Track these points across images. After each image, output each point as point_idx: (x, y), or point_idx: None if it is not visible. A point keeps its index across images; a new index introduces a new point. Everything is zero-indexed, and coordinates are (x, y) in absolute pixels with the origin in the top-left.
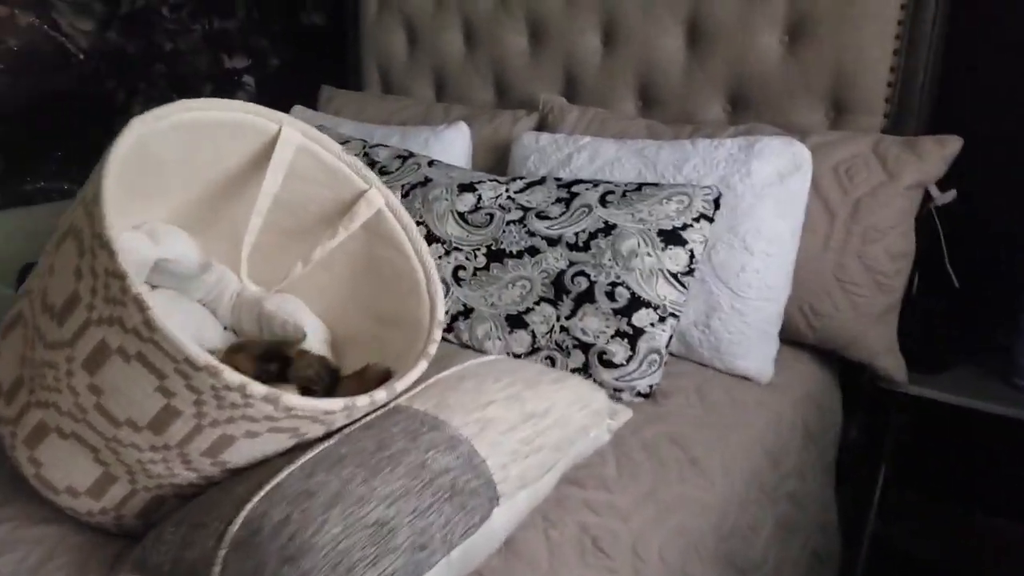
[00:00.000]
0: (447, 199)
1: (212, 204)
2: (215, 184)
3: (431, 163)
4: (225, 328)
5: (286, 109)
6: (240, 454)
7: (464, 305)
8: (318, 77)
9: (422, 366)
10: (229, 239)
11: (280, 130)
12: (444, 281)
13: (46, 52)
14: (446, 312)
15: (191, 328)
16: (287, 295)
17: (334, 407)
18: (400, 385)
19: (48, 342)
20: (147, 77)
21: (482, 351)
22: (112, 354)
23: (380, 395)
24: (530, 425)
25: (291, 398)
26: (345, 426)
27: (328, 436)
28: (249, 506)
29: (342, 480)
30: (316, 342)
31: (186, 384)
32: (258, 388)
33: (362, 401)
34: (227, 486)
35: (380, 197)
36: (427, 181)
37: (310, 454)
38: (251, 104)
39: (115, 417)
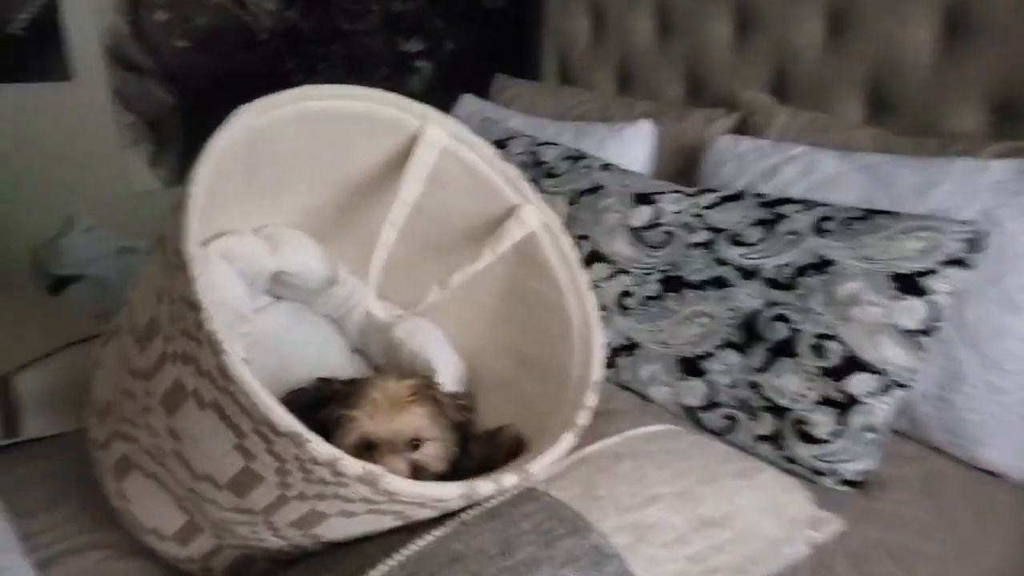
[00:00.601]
0: (619, 211)
1: (344, 209)
2: (347, 186)
3: (605, 167)
4: (353, 351)
5: (458, 96)
6: (335, 531)
7: (628, 339)
8: (494, 64)
9: (567, 442)
10: (362, 250)
11: (422, 128)
12: (605, 307)
13: (232, 30)
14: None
15: (313, 349)
16: (422, 321)
17: (448, 495)
18: (536, 467)
19: (130, 368)
20: (325, 57)
21: (644, 396)
22: (188, 397)
23: (509, 481)
24: (704, 537)
25: (394, 482)
26: (464, 508)
27: (442, 519)
28: None
29: None
30: (448, 381)
31: (267, 449)
32: (352, 466)
33: (485, 488)
34: (310, 571)
35: (536, 216)
36: (598, 188)
37: (415, 546)
38: (388, 94)
39: (193, 469)
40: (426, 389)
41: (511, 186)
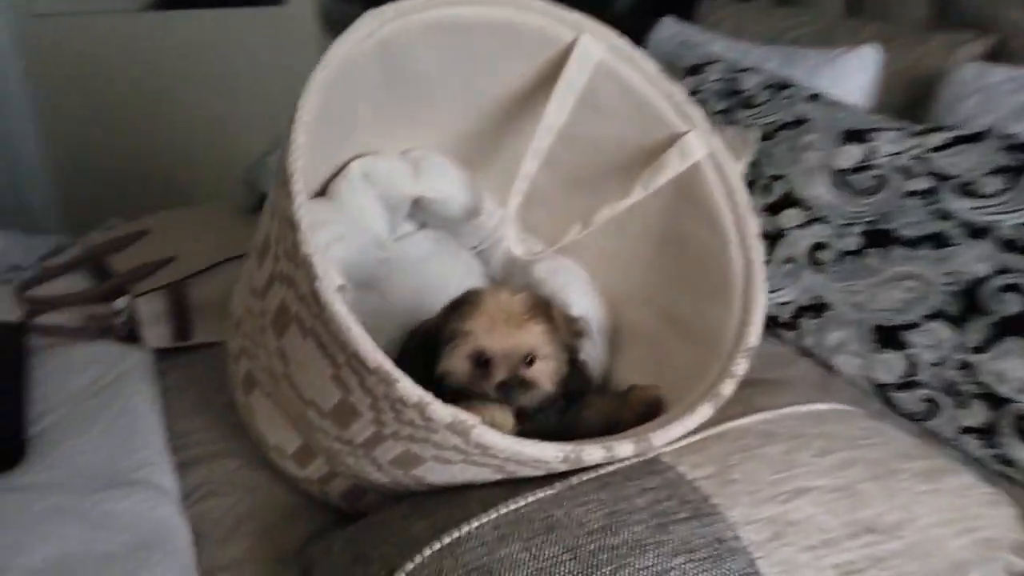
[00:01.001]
0: (823, 149)
1: (489, 135)
2: (491, 109)
3: (812, 97)
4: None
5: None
6: (435, 475)
7: (816, 298)
8: None
9: (702, 413)
10: (506, 180)
11: (575, 41)
12: (794, 260)
13: None
14: (789, 302)
15: (454, 280)
16: (565, 262)
17: (548, 456)
18: (660, 439)
19: (251, 286)
20: None
21: (827, 366)
22: (292, 321)
23: (624, 449)
24: (862, 544)
25: (485, 435)
26: (575, 471)
27: (550, 480)
28: (416, 560)
29: (540, 566)
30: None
31: (360, 383)
32: (441, 412)
33: (593, 455)
34: (410, 513)
35: (702, 145)
36: (801, 121)
37: (513, 504)
38: (535, 0)
39: (301, 393)
40: (542, 306)
41: (676, 110)
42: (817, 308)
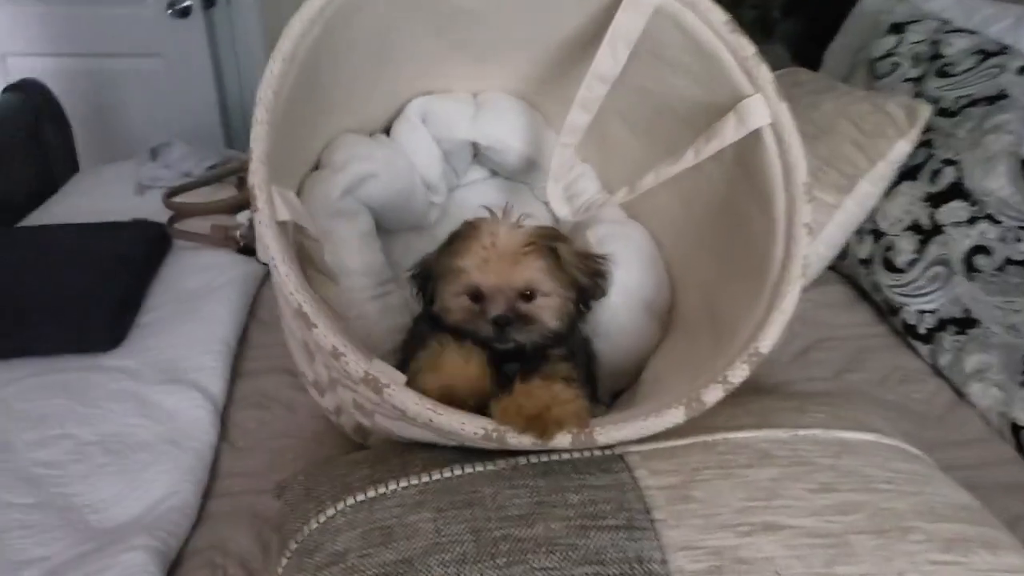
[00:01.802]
0: (1013, 133)
1: (554, 82)
2: (551, 55)
3: None
4: None
5: None
6: (389, 428)
7: (964, 310)
8: None
9: (673, 416)
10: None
11: None
12: (947, 263)
13: None
14: (931, 311)
15: None
16: (627, 228)
17: (467, 431)
18: (606, 436)
19: None
20: None
21: (960, 393)
22: None
23: (560, 440)
24: None
25: (397, 395)
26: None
27: (502, 454)
28: (338, 507)
29: (438, 540)
30: (629, 303)
31: (301, 327)
32: (353, 366)
33: (521, 439)
34: (363, 460)
35: (764, 112)
36: (998, 98)
37: (448, 473)
38: None
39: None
40: (546, 240)
41: (742, 68)
42: (962, 323)
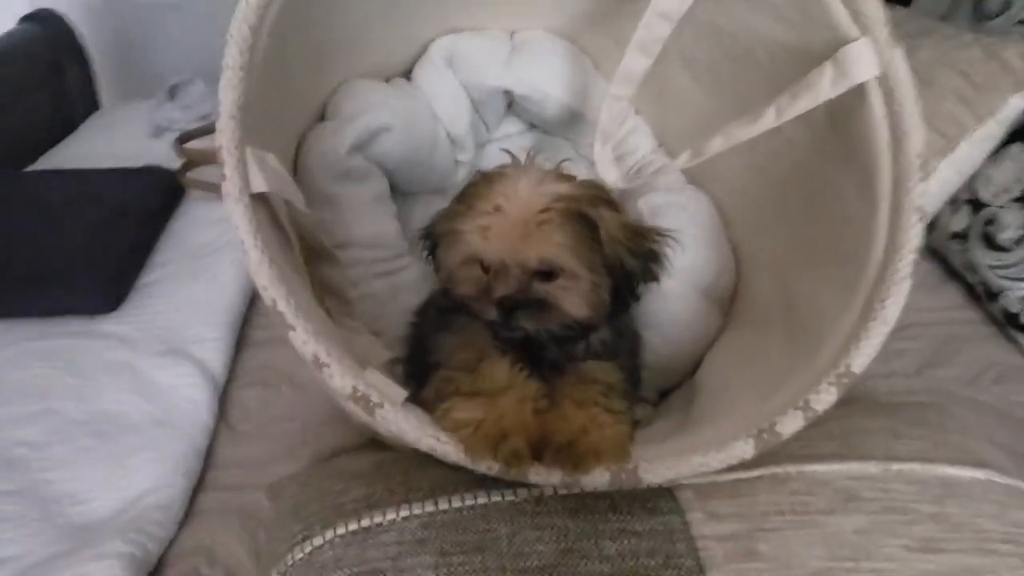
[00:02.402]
0: None
1: (605, 17)
2: None
3: None
4: None
5: None
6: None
7: None
8: None
9: (740, 451)
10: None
11: None
12: None
13: None
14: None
15: None
16: (685, 197)
17: (449, 453)
18: (651, 473)
19: None
20: None
21: None
22: None
23: (599, 480)
24: None
25: (389, 416)
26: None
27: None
28: (327, 536)
29: None
30: (683, 287)
31: None
32: (340, 382)
33: (540, 477)
34: (362, 472)
35: (872, 62)
36: None
37: (458, 503)
38: None
39: None
40: (579, 203)
41: (848, 7)
42: None
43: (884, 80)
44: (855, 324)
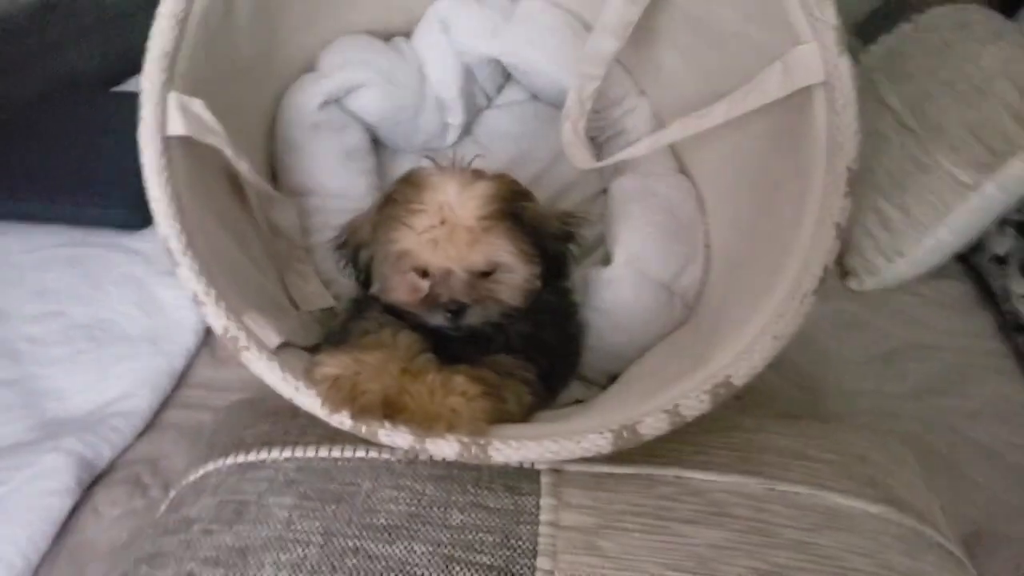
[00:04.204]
0: None
1: None
2: None
3: None
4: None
5: None
6: None
7: None
8: None
9: (593, 444)
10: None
11: None
12: None
13: None
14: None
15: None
16: (664, 179)
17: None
18: (502, 452)
19: None
20: None
21: None
22: None
23: (447, 450)
24: None
25: (255, 363)
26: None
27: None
28: (208, 467)
29: (285, 534)
30: (636, 276)
31: None
32: (215, 320)
33: (389, 437)
34: (279, 411)
35: (817, 68)
36: None
37: (336, 452)
38: None
39: None
40: (505, 200)
41: (803, 6)
42: None
43: (828, 87)
44: (754, 336)
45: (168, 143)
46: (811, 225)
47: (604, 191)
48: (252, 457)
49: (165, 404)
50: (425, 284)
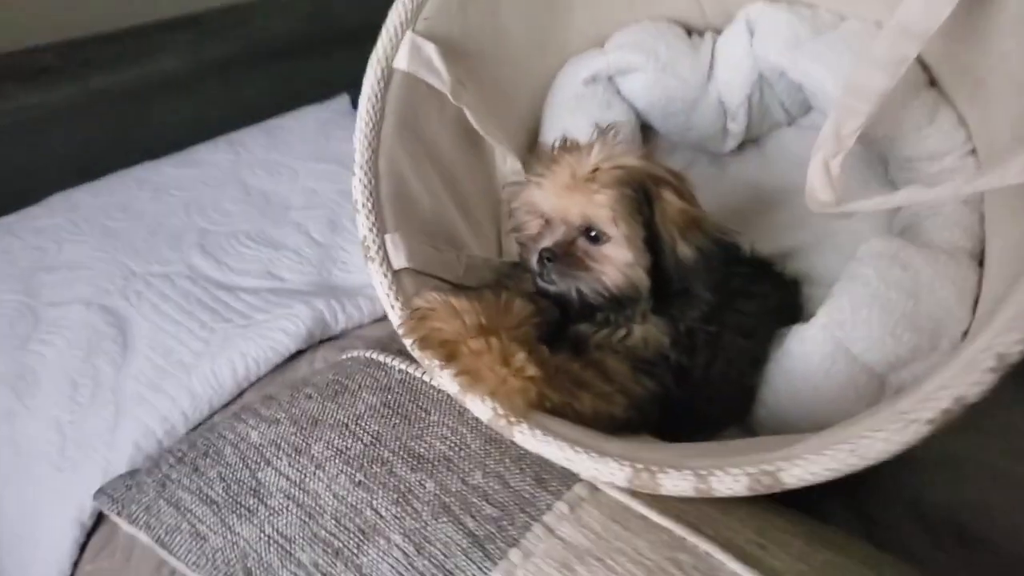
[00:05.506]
0: None
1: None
2: None
3: None
4: None
5: None
6: None
7: None
8: None
9: (607, 468)
10: None
11: None
12: None
13: None
14: None
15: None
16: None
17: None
18: (525, 438)
19: None
20: None
21: None
22: None
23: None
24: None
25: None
26: None
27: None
28: (355, 353)
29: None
30: (834, 348)
31: None
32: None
33: (437, 378)
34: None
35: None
36: None
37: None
38: None
39: None
40: (635, 173)
41: None
42: None
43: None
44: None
45: (390, 74)
46: None
47: None
48: (380, 357)
49: None
50: (539, 227)
